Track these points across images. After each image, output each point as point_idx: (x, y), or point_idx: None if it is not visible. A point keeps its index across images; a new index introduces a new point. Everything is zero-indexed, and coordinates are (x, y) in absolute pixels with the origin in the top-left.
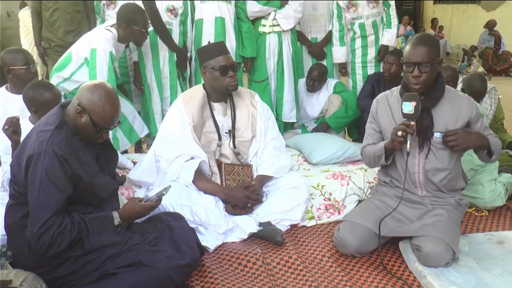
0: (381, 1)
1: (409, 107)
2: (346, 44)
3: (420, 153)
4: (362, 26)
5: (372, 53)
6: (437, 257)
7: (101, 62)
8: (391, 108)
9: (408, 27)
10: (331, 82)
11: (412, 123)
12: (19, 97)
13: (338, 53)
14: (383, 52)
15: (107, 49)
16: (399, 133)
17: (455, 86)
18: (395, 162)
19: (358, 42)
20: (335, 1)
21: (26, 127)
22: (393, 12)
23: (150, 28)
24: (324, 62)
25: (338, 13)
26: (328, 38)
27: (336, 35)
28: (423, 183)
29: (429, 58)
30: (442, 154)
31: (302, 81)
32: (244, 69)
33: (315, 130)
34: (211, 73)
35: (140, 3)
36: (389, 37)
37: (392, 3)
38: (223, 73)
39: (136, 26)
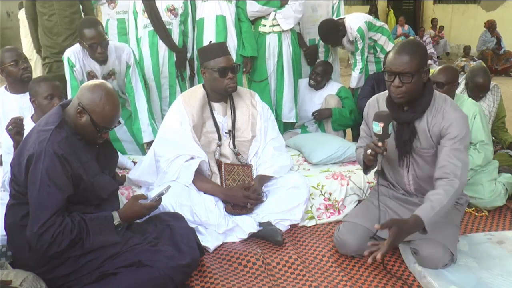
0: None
1: (377, 127)
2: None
3: (406, 166)
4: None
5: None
6: (435, 260)
7: (65, 69)
8: None
9: (406, 26)
10: (336, 85)
11: (380, 144)
12: (18, 97)
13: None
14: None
15: (66, 55)
16: (369, 151)
17: (457, 85)
18: (384, 170)
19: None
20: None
21: (28, 126)
22: (358, 57)
23: (150, 28)
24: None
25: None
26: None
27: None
28: (416, 192)
29: (411, 68)
30: (429, 162)
31: (302, 82)
32: (244, 69)
33: (317, 112)
34: (210, 73)
35: (140, 3)
36: (352, 79)
37: (361, 47)
38: (222, 74)
39: (82, 41)
